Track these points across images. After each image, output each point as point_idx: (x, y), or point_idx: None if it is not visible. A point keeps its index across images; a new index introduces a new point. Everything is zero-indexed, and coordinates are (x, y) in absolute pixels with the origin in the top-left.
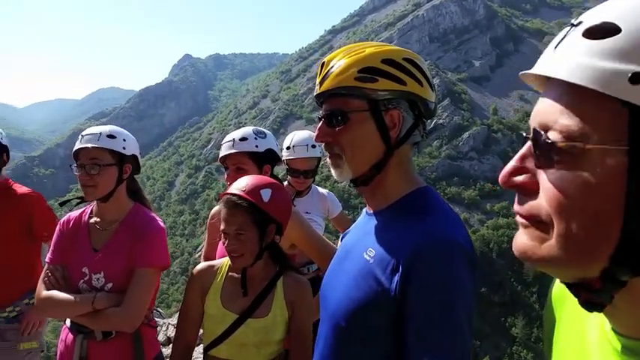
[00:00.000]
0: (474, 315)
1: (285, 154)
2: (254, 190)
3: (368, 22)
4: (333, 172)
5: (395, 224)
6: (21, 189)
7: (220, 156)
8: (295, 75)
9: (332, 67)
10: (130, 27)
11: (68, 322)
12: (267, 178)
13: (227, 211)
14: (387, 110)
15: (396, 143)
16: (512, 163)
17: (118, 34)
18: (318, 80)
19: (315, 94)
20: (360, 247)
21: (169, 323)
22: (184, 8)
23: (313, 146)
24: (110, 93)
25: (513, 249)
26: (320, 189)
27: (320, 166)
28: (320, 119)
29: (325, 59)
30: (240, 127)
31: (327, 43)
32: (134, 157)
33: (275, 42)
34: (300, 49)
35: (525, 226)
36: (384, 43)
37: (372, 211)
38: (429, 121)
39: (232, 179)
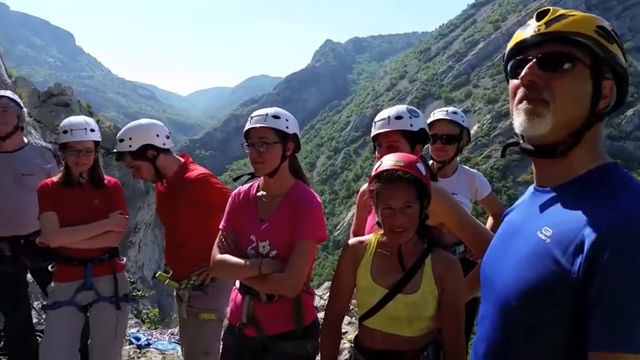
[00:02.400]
0: None
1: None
2: (412, 164)
3: None
4: (522, 120)
5: (579, 201)
6: (194, 172)
7: (373, 134)
8: (434, 53)
9: (564, 15)
10: (275, 17)
11: (237, 283)
12: (411, 155)
13: (392, 186)
14: (604, 78)
15: (600, 115)
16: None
17: (265, 25)
18: (540, 22)
19: (532, 33)
20: (531, 225)
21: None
22: None
23: (454, 112)
24: (259, 80)
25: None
26: (468, 168)
27: None
28: (523, 62)
29: (550, 8)
30: (377, 110)
31: (469, 17)
32: (295, 135)
33: (414, 21)
34: (440, 26)
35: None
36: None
37: (543, 187)
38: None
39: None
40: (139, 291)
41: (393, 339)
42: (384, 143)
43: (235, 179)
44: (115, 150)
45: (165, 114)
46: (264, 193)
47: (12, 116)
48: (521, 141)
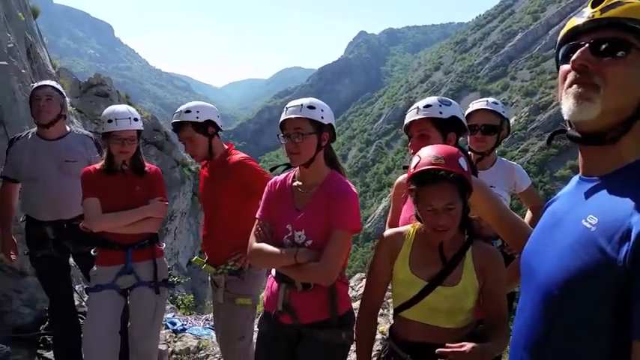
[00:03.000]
0: None
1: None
2: (454, 160)
3: None
4: (570, 104)
5: (626, 190)
6: (236, 156)
7: (405, 124)
8: (471, 45)
9: (620, 2)
10: (309, 9)
11: (273, 271)
12: (450, 147)
13: (434, 187)
14: None
15: None
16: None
17: (299, 16)
18: (595, 9)
19: (586, 20)
20: (575, 214)
21: (349, 284)
22: None
23: (495, 103)
24: (293, 72)
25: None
26: (507, 160)
27: None
28: (575, 47)
29: None
30: (410, 102)
31: (507, 7)
32: (330, 125)
33: (450, 11)
34: (477, 17)
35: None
36: None
37: (589, 176)
38: None
39: (415, 146)
40: (174, 277)
41: (431, 330)
42: (415, 132)
43: (271, 170)
44: (177, 120)
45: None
46: (300, 183)
47: (55, 105)
48: (569, 128)
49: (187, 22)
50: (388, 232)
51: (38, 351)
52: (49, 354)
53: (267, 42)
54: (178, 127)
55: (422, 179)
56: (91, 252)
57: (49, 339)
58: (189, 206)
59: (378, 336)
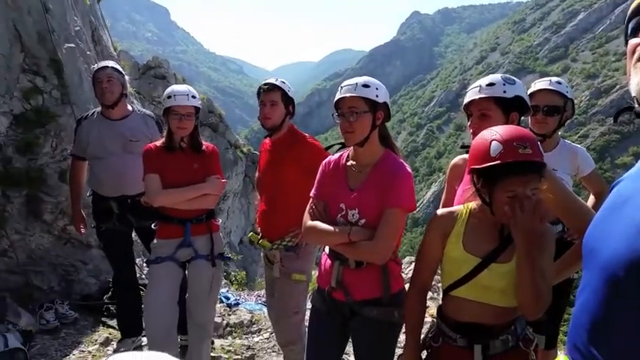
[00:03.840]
0: None
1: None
2: (538, 148)
3: None
4: (639, 79)
5: None
6: (299, 135)
7: (465, 103)
8: (530, 25)
9: None
10: None
11: (327, 249)
12: (528, 132)
13: (521, 177)
14: None
15: None
16: None
17: None
18: None
19: None
20: None
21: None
22: None
23: (558, 82)
24: (343, 54)
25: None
26: (570, 143)
27: None
28: None
29: None
30: (464, 84)
31: None
32: (385, 104)
33: None
34: None
35: None
36: None
37: None
38: None
39: (476, 126)
40: (229, 254)
41: (482, 309)
42: (475, 112)
43: (326, 149)
44: (275, 81)
45: (252, 88)
46: (354, 162)
47: (117, 85)
48: (637, 105)
49: (240, 5)
50: (440, 211)
51: (102, 318)
52: (113, 322)
53: (318, 24)
54: (269, 88)
55: (508, 169)
56: (152, 226)
57: (112, 308)
58: (242, 187)
59: (428, 319)
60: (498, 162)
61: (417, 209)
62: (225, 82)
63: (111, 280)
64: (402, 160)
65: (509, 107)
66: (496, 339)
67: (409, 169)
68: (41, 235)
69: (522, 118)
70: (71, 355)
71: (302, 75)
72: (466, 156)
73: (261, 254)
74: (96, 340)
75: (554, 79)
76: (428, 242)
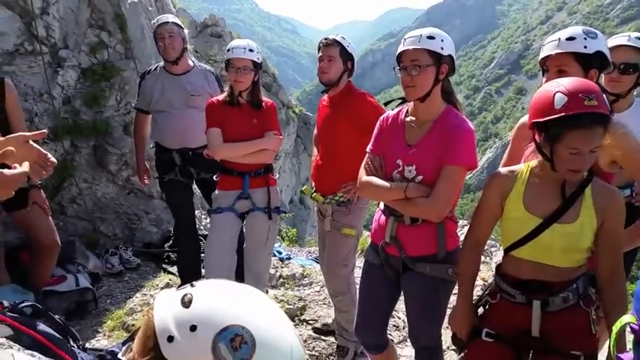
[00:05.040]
0: None
1: None
2: (603, 100)
3: None
4: None
5: None
6: (357, 92)
7: (541, 57)
8: None
9: None
10: None
11: (382, 205)
12: (593, 84)
13: (586, 130)
14: None
15: None
16: None
17: None
18: None
19: None
20: None
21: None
22: None
23: (638, 38)
24: (399, 13)
25: None
26: None
27: None
28: None
29: None
30: (526, 45)
31: None
32: (450, 57)
33: None
34: None
35: None
36: None
37: None
38: None
39: None
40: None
41: (543, 269)
42: (553, 67)
43: (386, 104)
44: (335, 36)
45: (306, 48)
46: (413, 118)
47: (178, 40)
48: None
49: None
50: (500, 170)
51: (163, 265)
52: (173, 269)
53: None
54: (328, 43)
55: (573, 122)
56: (213, 178)
57: (172, 255)
58: (293, 147)
59: (479, 282)
60: (563, 114)
61: (470, 175)
62: (278, 42)
63: (172, 229)
64: (463, 117)
65: (589, 63)
66: (556, 296)
67: (471, 126)
68: (107, 185)
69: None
70: (134, 297)
71: (356, 34)
72: None
73: (315, 208)
74: (157, 285)
75: (634, 34)
76: (486, 200)
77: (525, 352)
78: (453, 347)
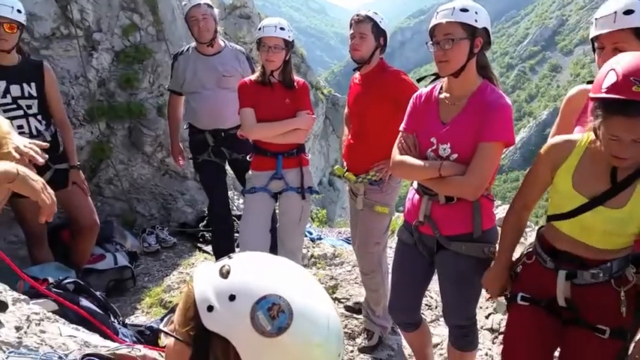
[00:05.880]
0: None
1: None
2: None
3: None
4: None
5: None
6: (390, 69)
7: (593, 35)
8: None
9: None
10: None
11: (415, 184)
12: None
13: (626, 118)
14: None
15: None
16: None
17: None
18: None
19: None
20: None
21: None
22: None
23: None
24: None
25: None
26: None
27: None
28: None
29: None
30: (562, 21)
31: None
32: (485, 30)
33: None
34: None
35: None
36: None
37: None
38: None
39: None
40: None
41: (579, 246)
42: (608, 45)
43: (418, 80)
44: (367, 12)
45: (334, 28)
46: (448, 95)
47: (211, 21)
48: None
49: None
50: (556, 139)
51: (198, 244)
52: (207, 247)
53: None
54: (360, 19)
55: (614, 107)
56: (247, 158)
57: (207, 235)
58: (322, 129)
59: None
60: (604, 95)
61: (503, 155)
62: (306, 22)
63: (206, 209)
64: (500, 92)
65: None
66: (585, 270)
67: (509, 101)
68: (142, 166)
69: None
70: (171, 275)
71: (385, 13)
72: (586, 86)
73: (346, 187)
74: (193, 264)
75: None
76: (538, 167)
77: (559, 318)
78: (487, 327)
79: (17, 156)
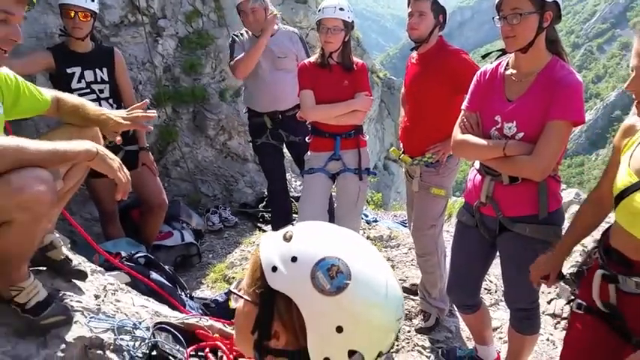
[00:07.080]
0: None
1: None
2: None
3: None
4: None
5: None
6: (450, 48)
7: None
8: None
9: None
10: None
11: (477, 164)
12: None
13: None
14: None
15: None
16: None
17: None
18: None
19: None
20: None
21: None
22: None
23: None
24: None
25: None
26: None
27: None
28: None
29: None
30: None
31: None
32: (555, 3)
33: None
34: None
35: None
36: None
37: None
38: None
39: None
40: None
41: (626, 240)
42: None
43: (484, 57)
44: None
45: (390, 9)
46: (514, 71)
47: (261, 13)
48: None
49: None
50: (627, 120)
51: (258, 224)
52: (267, 227)
53: None
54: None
55: None
56: (306, 139)
57: (267, 215)
58: (377, 112)
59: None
60: None
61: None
62: (361, 5)
63: (265, 190)
64: (571, 68)
65: None
66: (628, 276)
67: (579, 78)
68: (206, 149)
69: None
70: (234, 252)
71: None
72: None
73: (402, 170)
74: (253, 242)
75: None
76: (612, 158)
77: (623, 336)
78: (549, 312)
79: (127, 123)
